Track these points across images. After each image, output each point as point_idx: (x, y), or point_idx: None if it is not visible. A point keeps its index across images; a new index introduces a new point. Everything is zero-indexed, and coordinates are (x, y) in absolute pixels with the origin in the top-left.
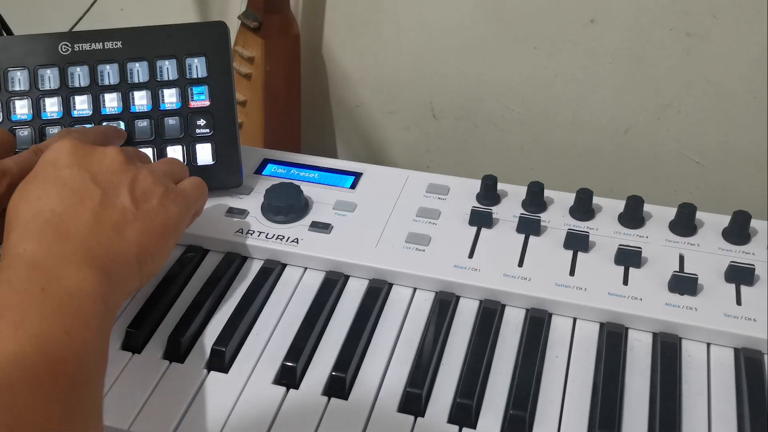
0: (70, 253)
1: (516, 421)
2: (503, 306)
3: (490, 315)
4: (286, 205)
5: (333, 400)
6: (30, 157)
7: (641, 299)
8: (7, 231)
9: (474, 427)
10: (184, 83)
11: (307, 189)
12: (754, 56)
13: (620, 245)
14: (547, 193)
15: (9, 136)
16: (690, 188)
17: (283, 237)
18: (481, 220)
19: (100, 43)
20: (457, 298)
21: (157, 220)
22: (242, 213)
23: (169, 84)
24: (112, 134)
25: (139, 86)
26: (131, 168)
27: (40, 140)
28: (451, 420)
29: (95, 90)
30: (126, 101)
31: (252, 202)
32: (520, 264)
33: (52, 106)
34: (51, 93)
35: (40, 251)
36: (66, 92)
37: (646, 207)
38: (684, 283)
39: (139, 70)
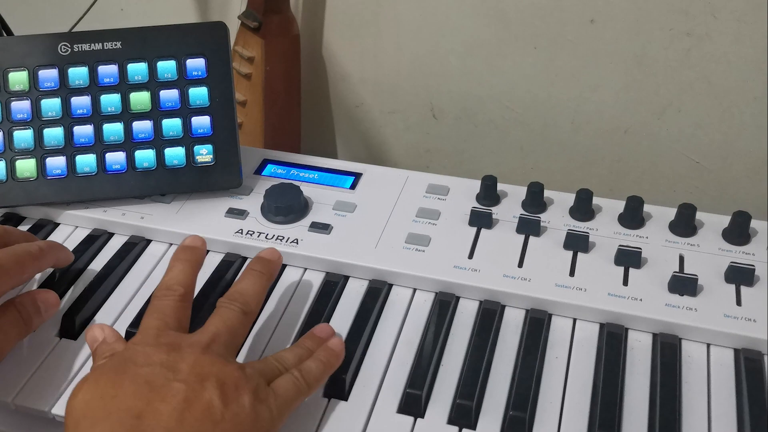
0: None
1: (516, 422)
2: (503, 306)
3: (489, 315)
4: (286, 205)
5: (333, 400)
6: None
7: (641, 300)
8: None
9: (474, 428)
10: (183, 84)
11: (307, 189)
12: (754, 56)
13: (620, 246)
14: (547, 193)
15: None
16: (690, 188)
17: (283, 237)
18: (481, 220)
19: (100, 44)
20: (457, 298)
21: (245, 424)
22: (242, 213)
23: (169, 84)
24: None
25: (139, 87)
26: (218, 361)
27: (40, 140)
28: (451, 421)
29: (95, 90)
30: (126, 102)
31: (252, 203)
32: (520, 264)
33: (51, 107)
34: (51, 93)
35: None
36: (66, 92)
37: (646, 207)
38: (684, 284)
39: (138, 71)
